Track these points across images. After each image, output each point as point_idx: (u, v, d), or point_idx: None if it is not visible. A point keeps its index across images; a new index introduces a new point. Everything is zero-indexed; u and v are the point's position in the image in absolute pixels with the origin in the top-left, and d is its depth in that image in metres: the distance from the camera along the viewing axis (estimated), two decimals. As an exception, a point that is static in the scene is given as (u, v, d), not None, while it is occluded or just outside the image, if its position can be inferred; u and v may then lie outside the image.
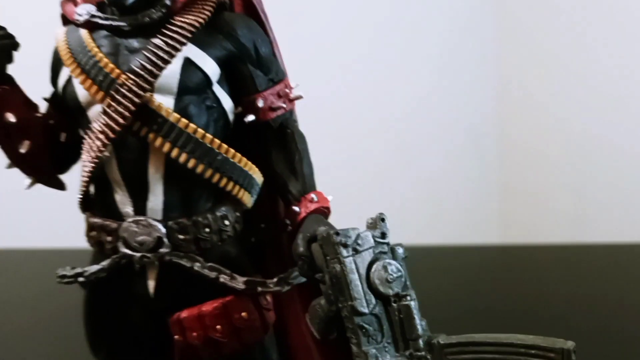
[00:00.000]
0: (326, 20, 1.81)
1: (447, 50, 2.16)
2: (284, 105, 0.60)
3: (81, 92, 0.55)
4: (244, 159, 0.57)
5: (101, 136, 0.53)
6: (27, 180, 0.62)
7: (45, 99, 0.61)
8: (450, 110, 2.29)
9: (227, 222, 0.58)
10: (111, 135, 0.53)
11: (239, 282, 0.56)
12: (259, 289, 0.57)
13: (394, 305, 0.50)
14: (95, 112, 0.54)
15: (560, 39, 2.25)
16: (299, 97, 0.61)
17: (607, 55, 2.18)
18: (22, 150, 0.59)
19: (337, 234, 0.49)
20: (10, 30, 0.57)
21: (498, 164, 2.52)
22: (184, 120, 0.53)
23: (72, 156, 0.63)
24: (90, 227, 0.58)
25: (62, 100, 0.59)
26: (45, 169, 0.62)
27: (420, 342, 0.50)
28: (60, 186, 0.64)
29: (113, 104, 0.52)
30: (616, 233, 2.11)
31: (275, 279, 0.57)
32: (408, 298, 0.50)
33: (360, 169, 1.84)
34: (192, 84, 0.55)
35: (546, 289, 1.54)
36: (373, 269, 0.50)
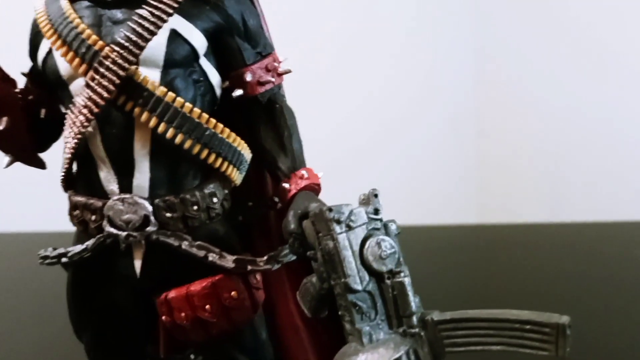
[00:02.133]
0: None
1: (426, 35, 2.17)
2: (273, 80, 0.58)
3: (63, 66, 0.53)
4: (233, 134, 0.55)
5: (84, 111, 0.51)
6: (6, 159, 0.60)
7: (24, 74, 0.59)
8: (428, 94, 2.30)
9: (215, 200, 0.56)
10: (95, 109, 0.51)
11: (228, 261, 0.55)
12: (249, 267, 0.55)
13: (388, 282, 0.49)
14: (77, 86, 0.52)
15: (537, 20, 2.26)
16: (287, 71, 0.59)
17: (584, 36, 2.20)
18: (0, 128, 0.57)
19: (330, 210, 0.48)
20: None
21: (475, 146, 2.54)
22: (170, 94, 0.52)
23: (53, 133, 0.61)
24: (74, 206, 0.56)
25: (42, 74, 0.57)
26: (24, 146, 0.60)
27: (414, 318, 0.49)
28: (40, 165, 0.62)
29: (97, 77, 0.50)
30: (590, 212, 2.14)
31: (265, 258, 0.56)
32: (402, 274, 0.49)
33: (338, 150, 1.83)
34: (179, 57, 0.53)
35: (523, 267, 1.56)
36: (366, 246, 0.49)
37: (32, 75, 0.59)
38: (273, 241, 0.62)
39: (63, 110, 0.58)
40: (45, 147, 0.62)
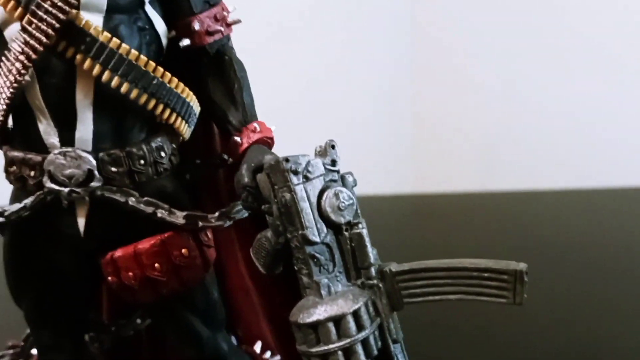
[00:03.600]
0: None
1: (363, 5, 2.18)
2: (222, 29, 0.56)
3: None
4: (182, 85, 0.53)
5: (22, 57, 0.48)
6: None
7: None
8: (363, 65, 2.31)
9: (163, 154, 0.54)
10: (33, 56, 0.47)
11: (178, 217, 0.53)
12: (200, 223, 0.54)
13: (346, 233, 0.49)
14: (13, 31, 0.49)
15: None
16: (237, 21, 0.57)
17: (520, 9, 2.25)
18: None
19: (287, 160, 0.47)
20: None
21: (410, 117, 2.58)
22: (115, 40, 0.49)
23: None
24: (10, 162, 0.53)
25: None
26: None
27: (372, 270, 0.49)
28: None
29: (34, 20, 0.47)
30: (520, 181, 2.22)
31: (216, 214, 0.55)
32: (360, 226, 0.49)
33: (272, 119, 1.83)
34: (123, 2, 0.50)
35: (458, 235, 1.60)
36: (324, 197, 0.48)
37: None
38: (222, 201, 0.61)
39: None
40: None
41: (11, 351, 0.71)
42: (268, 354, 0.67)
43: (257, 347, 0.67)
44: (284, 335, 0.68)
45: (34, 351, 0.67)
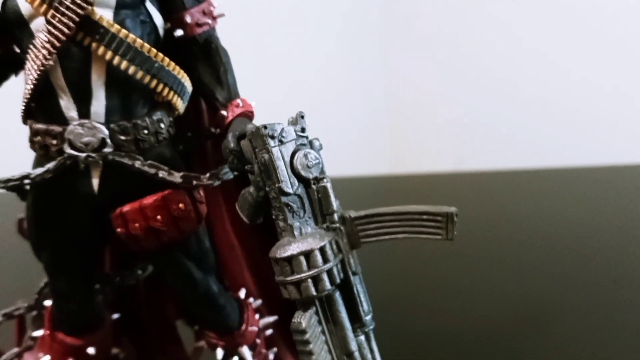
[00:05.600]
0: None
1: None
2: (209, 22, 0.66)
3: (24, 6, 0.59)
4: (177, 67, 0.63)
5: (47, 45, 0.57)
6: None
7: None
8: (338, 47, 2.37)
9: (162, 125, 0.64)
10: (57, 44, 0.57)
11: (176, 177, 0.63)
12: (194, 182, 0.64)
13: (314, 186, 0.59)
14: (38, 24, 0.59)
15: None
16: (221, 15, 0.68)
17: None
18: None
19: (265, 127, 0.58)
20: None
21: (385, 99, 2.64)
22: (124, 31, 0.59)
23: (5, 72, 0.67)
24: (35, 133, 0.63)
25: None
26: None
27: (335, 216, 0.60)
28: None
29: (57, 15, 0.57)
30: (494, 161, 2.31)
31: (207, 174, 0.65)
32: (325, 181, 0.59)
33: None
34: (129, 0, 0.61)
35: None
36: (295, 157, 0.59)
37: None
38: (210, 167, 0.69)
39: (17, 50, 0.64)
40: None
41: (25, 304, 0.81)
42: (251, 299, 0.78)
43: (242, 293, 0.76)
44: (264, 284, 0.79)
45: (47, 303, 0.75)
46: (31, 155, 0.66)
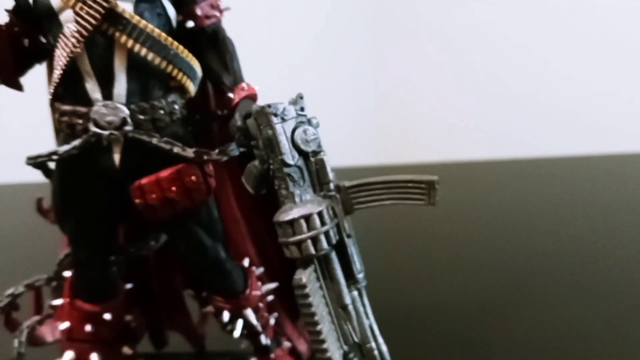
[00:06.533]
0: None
1: None
2: (217, 14, 0.74)
3: (54, 0, 0.66)
4: (190, 54, 0.70)
5: (76, 34, 0.65)
6: None
7: (7, 10, 0.71)
8: (328, 39, 2.41)
9: (176, 106, 0.72)
10: (84, 33, 0.65)
11: (189, 152, 0.70)
12: (205, 157, 0.71)
13: (312, 159, 0.67)
14: (66, 15, 0.66)
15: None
16: (227, 9, 0.76)
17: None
18: None
19: (269, 106, 0.65)
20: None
21: (375, 90, 2.69)
22: (144, 22, 0.66)
23: (32, 61, 0.74)
24: (62, 114, 0.70)
25: (26, 11, 0.69)
26: (8, 71, 0.72)
27: (331, 185, 0.67)
28: (19, 88, 0.75)
29: (85, 7, 0.64)
30: (483, 150, 2.38)
31: (216, 150, 0.72)
32: (322, 154, 0.67)
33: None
34: None
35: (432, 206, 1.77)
36: (296, 133, 0.66)
37: (15, 11, 0.71)
38: (216, 145, 0.76)
39: (43, 40, 0.72)
40: (24, 72, 0.75)
41: (45, 276, 0.88)
42: (254, 268, 0.86)
43: (245, 262, 0.84)
44: (265, 255, 0.86)
45: (66, 274, 0.82)
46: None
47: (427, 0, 2.52)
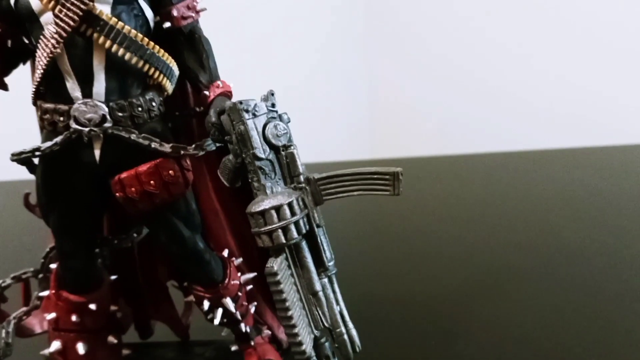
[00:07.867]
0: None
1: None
2: (193, 15, 0.77)
3: (34, 2, 0.69)
4: (166, 54, 0.73)
5: (55, 35, 0.68)
6: None
7: None
8: (320, 35, 2.43)
9: (154, 104, 0.75)
10: (63, 34, 0.67)
11: (166, 147, 0.73)
12: (182, 152, 0.74)
13: (283, 153, 0.70)
14: (47, 18, 0.69)
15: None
16: (203, 9, 0.78)
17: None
18: None
19: (241, 103, 0.69)
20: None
21: (366, 86, 2.72)
22: (120, 23, 0.69)
23: (15, 61, 0.77)
24: (44, 111, 0.72)
25: (7, 13, 0.71)
26: None
27: (301, 177, 0.70)
28: (4, 87, 0.78)
29: (64, 10, 0.67)
30: (472, 145, 2.41)
31: (193, 146, 0.75)
32: (292, 148, 0.70)
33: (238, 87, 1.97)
34: None
35: (411, 198, 1.80)
36: (267, 128, 0.70)
37: None
38: (195, 141, 0.79)
39: (26, 41, 0.74)
40: (7, 72, 0.77)
41: (32, 268, 0.90)
42: (233, 258, 0.89)
43: (225, 253, 0.86)
44: (244, 246, 0.89)
45: (52, 266, 0.84)
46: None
47: (417, 4, 2.54)
